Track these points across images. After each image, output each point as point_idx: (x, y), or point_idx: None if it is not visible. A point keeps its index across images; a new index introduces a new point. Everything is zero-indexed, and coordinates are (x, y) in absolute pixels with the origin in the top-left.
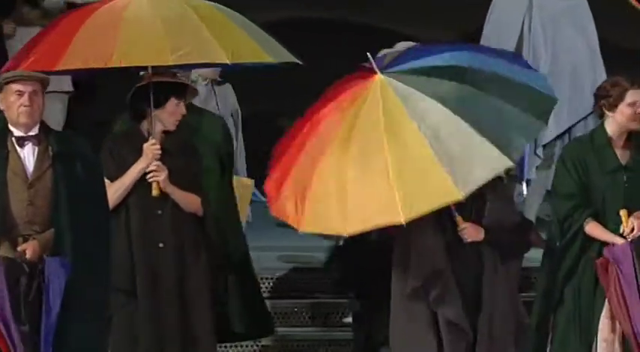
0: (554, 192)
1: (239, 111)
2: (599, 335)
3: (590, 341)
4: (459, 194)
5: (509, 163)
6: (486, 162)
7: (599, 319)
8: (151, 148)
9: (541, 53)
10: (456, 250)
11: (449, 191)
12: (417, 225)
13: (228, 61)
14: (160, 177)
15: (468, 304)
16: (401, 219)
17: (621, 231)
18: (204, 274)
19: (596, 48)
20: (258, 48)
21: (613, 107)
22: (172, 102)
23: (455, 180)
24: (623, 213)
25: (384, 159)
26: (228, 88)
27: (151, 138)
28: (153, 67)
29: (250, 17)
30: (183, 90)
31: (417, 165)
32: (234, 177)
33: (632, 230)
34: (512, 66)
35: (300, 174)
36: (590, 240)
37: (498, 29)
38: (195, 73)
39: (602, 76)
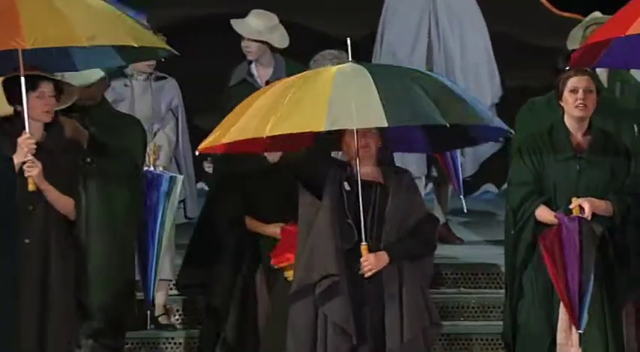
0: (509, 181)
1: (181, 107)
2: (558, 325)
3: (552, 330)
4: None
5: (380, 122)
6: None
7: (558, 307)
8: (26, 142)
9: (451, 47)
10: (356, 256)
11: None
12: (316, 227)
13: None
14: (32, 173)
15: (371, 309)
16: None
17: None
18: (67, 276)
19: (490, 47)
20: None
21: (561, 96)
22: (38, 94)
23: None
24: (574, 200)
25: (323, 85)
26: (168, 83)
27: (24, 132)
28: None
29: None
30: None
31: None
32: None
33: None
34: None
35: (234, 117)
36: (542, 226)
37: (404, 28)
38: (130, 68)
39: (497, 76)
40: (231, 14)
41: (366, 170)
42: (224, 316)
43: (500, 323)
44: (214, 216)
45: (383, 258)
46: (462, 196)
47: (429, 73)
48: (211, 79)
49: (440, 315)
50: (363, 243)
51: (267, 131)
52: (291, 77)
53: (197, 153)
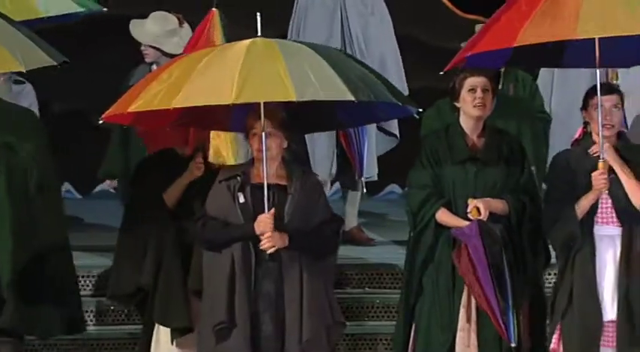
0: (409, 184)
1: (36, 114)
2: (458, 325)
3: (452, 331)
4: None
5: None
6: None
7: (459, 308)
8: None
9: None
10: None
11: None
12: (214, 272)
13: None
14: None
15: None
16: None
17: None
18: None
19: (395, 44)
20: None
21: (458, 96)
22: None
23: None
24: (470, 201)
25: (237, 55)
26: (26, 88)
27: None
28: None
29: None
30: None
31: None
32: None
33: (479, 214)
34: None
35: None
36: (442, 228)
37: (317, 25)
38: None
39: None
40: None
41: (260, 173)
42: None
43: None
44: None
45: (284, 238)
46: (363, 178)
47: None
48: (115, 80)
49: (345, 316)
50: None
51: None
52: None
53: (100, 121)
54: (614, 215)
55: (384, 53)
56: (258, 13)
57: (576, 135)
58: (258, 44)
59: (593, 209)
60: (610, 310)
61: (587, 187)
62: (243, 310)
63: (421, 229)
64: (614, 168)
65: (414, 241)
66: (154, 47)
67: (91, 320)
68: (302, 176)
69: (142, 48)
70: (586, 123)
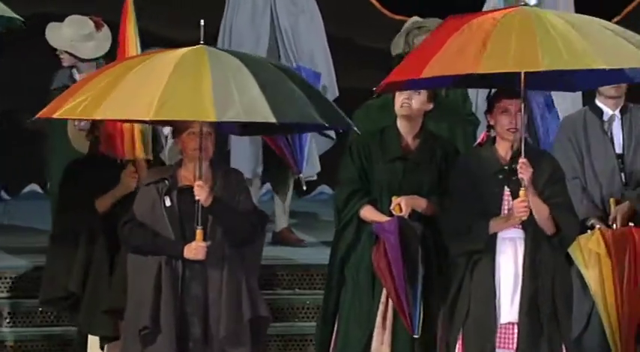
0: (338, 179)
1: None
2: (376, 322)
3: (369, 328)
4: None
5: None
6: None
7: (379, 305)
8: None
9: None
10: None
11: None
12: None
13: None
14: None
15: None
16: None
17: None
18: None
19: (325, 42)
20: None
21: (393, 97)
22: None
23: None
24: (394, 198)
25: (165, 69)
26: None
27: None
28: None
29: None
30: None
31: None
32: None
33: (401, 211)
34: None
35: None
36: (365, 224)
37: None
38: None
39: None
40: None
41: (189, 174)
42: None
43: None
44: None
45: (201, 247)
46: (301, 175)
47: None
48: (42, 80)
49: (275, 316)
50: (199, 228)
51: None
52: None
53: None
54: None
55: (313, 51)
56: (202, 20)
57: (479, 139)
58: (187, 58)
59: (496, 212)
60: (509, 312)
61: (491, 193)
62: (169, 314)
63: (344, 225)
64: (529, 193)
65: (337, 237)
66: (68, 52)
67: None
68: (225, 175)
69: (57, 52)
70: (490, 127)
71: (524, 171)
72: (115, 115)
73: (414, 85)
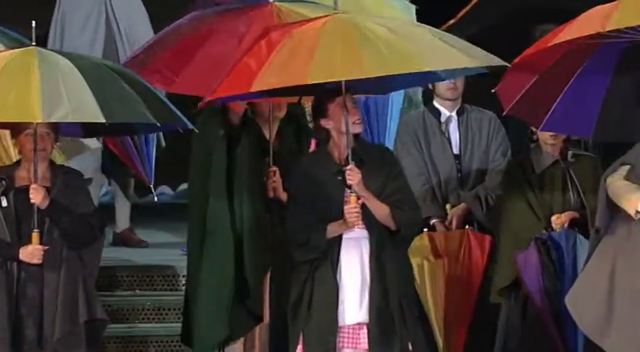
0: None
1: None
2: None
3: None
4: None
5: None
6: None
7: None
8: None
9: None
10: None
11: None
12: None
13: None
14: None
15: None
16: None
17: None
18: None
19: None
20: None
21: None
22: None
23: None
24: None
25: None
26: None
27: None
28: None
29: None
30: None
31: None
32: None
33: None
34: None
35: None
36: None
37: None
38: None
39: None
40: None
41: (26, 175)
42: None
43: (177, 324)
44: None
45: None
46: (151, 185)
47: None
48: None
49: (115, 318)
50: (35, 231)
51: None
52: None
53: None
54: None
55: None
56: (33, 22)
57: (312, 146)
58: (16, 59)
59: (339, 214)
60: (358, 312)
61: (331, 196)
62: (3, 316)
63: None
64: (363, 198)
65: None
66: None
67: None
68: (64, 176)
69: None
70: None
71: (352, 177)
72: None
73: (246, 96)
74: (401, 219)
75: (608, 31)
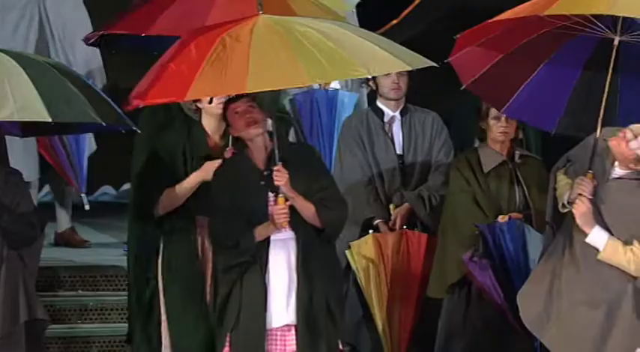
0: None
1: None
2: None
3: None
4: None
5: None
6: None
7: None
8: None
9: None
10: None
11: None
12: None
13: None
14: None
15: None
16: None
17: None
18: None
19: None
20: None
21: None
22: None
23: None
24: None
25: None
26: None
27: None
28: None
29: None
30: None
31: None
32: None
33: None
34: None
35: None
36: None
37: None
38: None
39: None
40: None
41: None
42: None
43: (120, 324)
44: None
45: None
46: (83, 194)
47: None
48: None
49: (57, 318)
50: None
51: None
52: None
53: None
54: None
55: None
56: None
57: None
58: None
59: (264, 218)
60: (286, 314)
61: (255, 200)
62: None
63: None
64: (290, 199)
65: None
66: None
67: None
68: (5, 175)
69: None
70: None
71: (279, 177)
72: None
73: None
74: (327, 218)
75: (547, 16)
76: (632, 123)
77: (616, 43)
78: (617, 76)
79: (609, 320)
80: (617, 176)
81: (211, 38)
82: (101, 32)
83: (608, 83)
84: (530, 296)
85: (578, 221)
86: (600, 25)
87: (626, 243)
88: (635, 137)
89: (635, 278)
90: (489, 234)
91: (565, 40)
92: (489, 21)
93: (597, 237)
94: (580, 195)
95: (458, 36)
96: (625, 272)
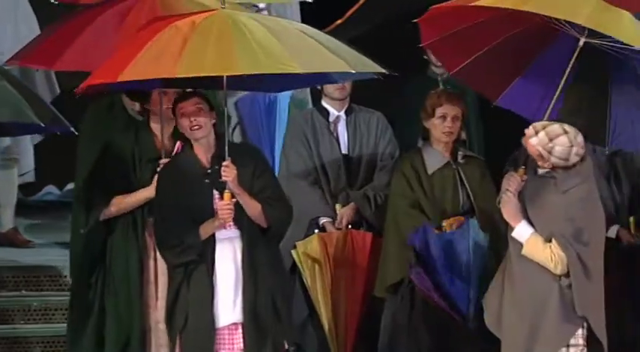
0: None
1: None
2: None
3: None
4: None
5: None
6: None
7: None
8: None
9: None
10: None
11: None
12: None
13: None
14: None
15: None
16: None
17: None
18: None
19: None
20: None
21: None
22: None
23: None
24: None
25: None
26: None
27: None
28: None
29: None
30: None
31: None
32: None
33: None
34: None
35: None
36: None
37: None
38: None
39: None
40: None
41: None
42: None
43: (63, 325)
44: None
45: None
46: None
47: None
48: None
49: (0, 319)
50: None
51: None
52: None
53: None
54: None
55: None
56: None
57: (176, 149)
58: None
59: (209, 216)
60: (232, 313)
61: (200, 198)
62: None
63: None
64: (237, 195)
65: (85, 240)
66: None
67: None
68: None
69: None
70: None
71: (227, 173)
72: None
73: (118, 86)
74: (273, 216)
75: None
76: (621, 140)
77: (581, 43)
78: (610, 90)
79: (537, 319)
80: (540, 173)
81: (162, 26)
82: (17, 62)
83: (565, 75)
84: (489, 297)
85: (505, 215)
86: (567, 26)
87: (547, 239)
88: (536, 134)
89: (559, 276)
90: (418, 242)
91: (555, 34)
92: (467, 4)
93: (522, 231)
94: (507, 190)
95: (419, 19)
96: (550, 271)
